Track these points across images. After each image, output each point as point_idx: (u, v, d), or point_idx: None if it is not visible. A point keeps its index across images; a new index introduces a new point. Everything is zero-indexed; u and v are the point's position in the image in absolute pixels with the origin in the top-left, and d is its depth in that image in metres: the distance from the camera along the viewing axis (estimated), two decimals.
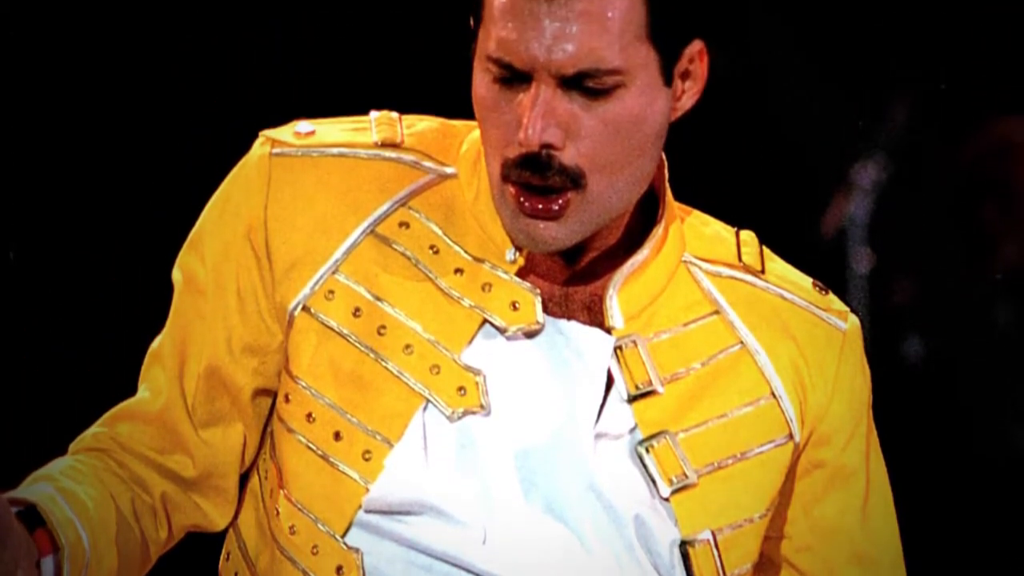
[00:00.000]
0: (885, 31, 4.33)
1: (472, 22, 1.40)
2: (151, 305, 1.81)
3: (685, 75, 1.41)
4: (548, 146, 1.33)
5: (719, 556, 1.42)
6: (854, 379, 1.50)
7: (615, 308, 1.42)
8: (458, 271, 1.42)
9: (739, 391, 1.45)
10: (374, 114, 1.53)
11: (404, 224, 1.45)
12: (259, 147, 1.50)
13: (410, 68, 4.02)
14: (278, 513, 1.44)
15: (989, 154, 4.50)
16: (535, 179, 1.35)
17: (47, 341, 4.04)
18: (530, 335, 1.40)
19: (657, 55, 1.36)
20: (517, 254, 1.42)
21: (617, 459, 1.42)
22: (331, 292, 1.42)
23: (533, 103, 1.33)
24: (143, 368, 1.52)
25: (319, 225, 1.44)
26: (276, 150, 1.48)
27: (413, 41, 4.07)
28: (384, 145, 1.48)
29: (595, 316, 1.43)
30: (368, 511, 1.39)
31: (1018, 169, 4.49)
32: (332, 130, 1.51)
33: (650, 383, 1.41)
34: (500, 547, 1.38)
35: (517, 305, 1.40)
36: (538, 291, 1.41)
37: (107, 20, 4.05)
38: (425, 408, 1.38)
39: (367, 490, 1.38)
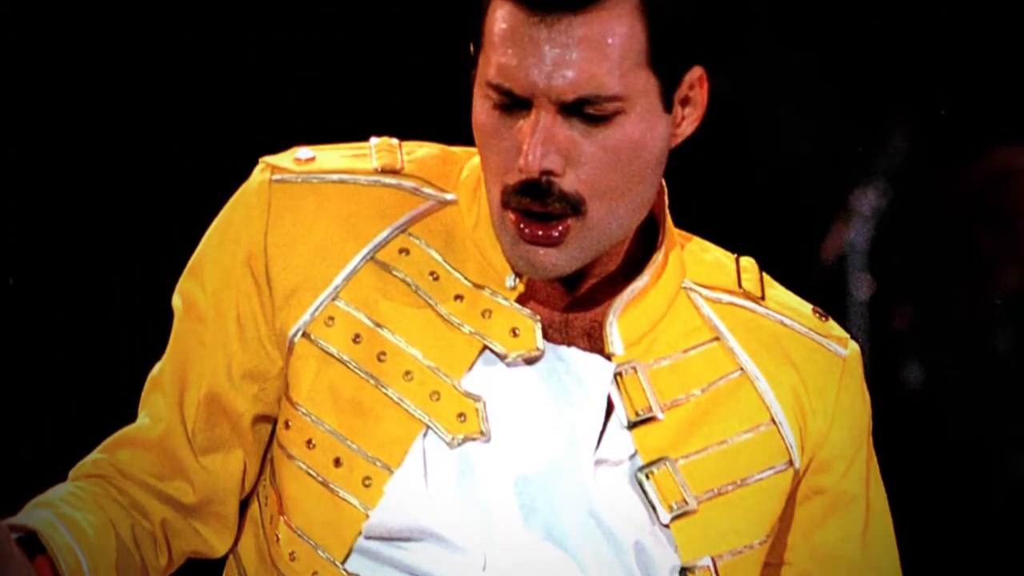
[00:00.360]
0: (885, 57, 4.34)
1: (472, 48, 1.41)
2: (151, 331, 1.81)
3: (685, 101, 1.41)
4: (548, 172, 1.33)
5: None
6: (854, 405, 1.50)
7: (615, 334, 1.42)
8: (458, 297, 1.42)
9: (739, 417, 1.45)
10: (374, 140, 1.53)
11: (404, 250, 1.45)
12: (259, 173, 1.50)
13: (411, 91, 4.03)
14: (278, 539, 1.43)
15: (988, 180, 4.51)
16: (535, 206, 1.35)
17: (47, 367, 4.04)
18: (530, 361, 1.40)
19: (657, 81, 1.36)
20: (517, 280, 1.42)
21: (617, 485, 1.42)
22: (331, 318, 1.42)
23: (533, 129, 1.33)
24: (143, 394, 1.52)
25: (319, 251, 1.44)
26: (276, 176, 1.48)
27: (414, 63, 4.08)
28: (384, 171, 1.48)
29: (595, 342, 1.43)
30: (368, 537, 1.39)
31: (1017, 195, 4.50)
32: (332, 156, 1.51)
33: (650, 409, 1.41)
34: (500, 573, 1.38)
35: (517, 331, 1.40)
36: (538, 317, 1.41)
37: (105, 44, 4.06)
38: (425, 434, 1.38)
39: (367, 516, 1.38)
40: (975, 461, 4.37)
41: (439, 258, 1.44)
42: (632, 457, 1.42)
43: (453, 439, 1.38)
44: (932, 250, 4.48)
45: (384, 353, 1.39)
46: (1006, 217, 4.52)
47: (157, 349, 1.54)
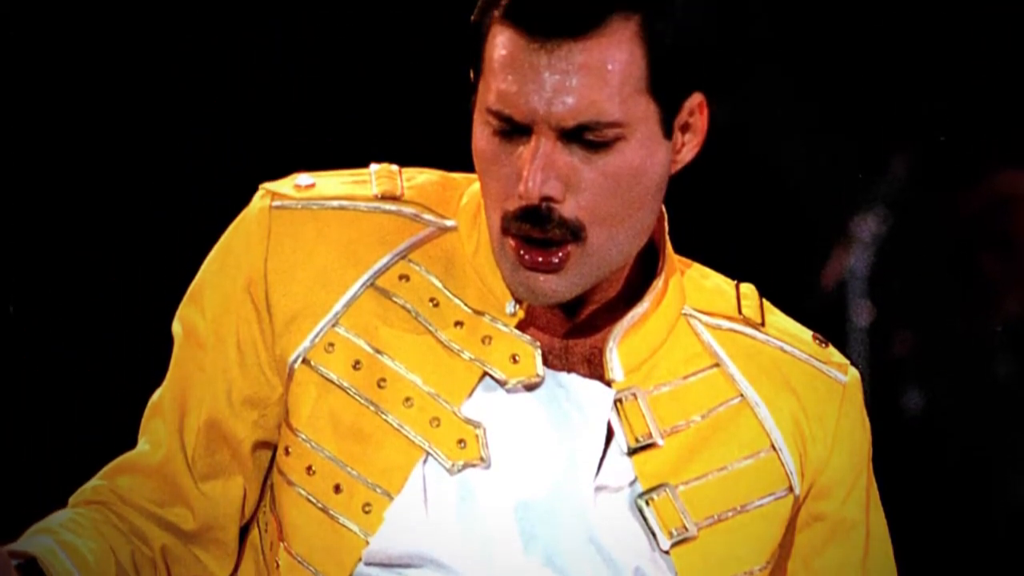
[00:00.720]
0: (885, 83, 4.34)
1: (472, 75, 1.41)
2: (151, 357, 1.81)
3: (685, 128, 1.41)
4: (548, 199, 1.33)
5: None
6: (854, 432, 1.50)
7: (615, 361, 1.42)
8: (458, 324, 1.42)
9: (739, 444, 1.45)
10: (374, 167, 1.53)
11: (404, 277, 1.45)
12: (259, 200, 1.50)
13: (411, 117, 4.04)
14: (278, 566, 1.43)
15: (989, 206, 4.51)
16: (535, 232, 1.35)
17: (48, 395, 4.04)
18: (530, 388, 1.40)
19: (657, 108, 1.36)
20: (517, 307, 1.42)
21: (617, 512, 1.42)
22: (331, 345, 1.42)
23: (533, 156, 1.33)
24: (143, 420, 1.52)
25: (319, 278, 1.44)
26: (276, 203, 1.48)
27: (415, 82, 4.08)
28: (384, 198, 1.48)
29: (595, 369, 1.43)
30: (368, 564, 1.38)
31: (1018, 221, 4.50)
32: (332, 183, 1.51)
33: (650, 436, 1.41)
34: None
35: (517, 358, 1.40)
36: (538, 344, 1.41)
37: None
38: (425, 461, 1.38)
39: (367, 543, 1.38)
40: (975, 487, 4.36)
41: (439, 284, 1.44)
42: (632, 483, 1.42)
43: (453, 465, 1.38)
44: (932, 276, 4.48)
45: (384, 379, 1.39)
46: (1007, 243, 4.52)
47: (157, 375, 1.54)
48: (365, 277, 1.44)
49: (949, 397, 4.43)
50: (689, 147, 1.43)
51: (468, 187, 1.49)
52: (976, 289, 4.51)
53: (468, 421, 1.38)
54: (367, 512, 1.38)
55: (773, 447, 1.46)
